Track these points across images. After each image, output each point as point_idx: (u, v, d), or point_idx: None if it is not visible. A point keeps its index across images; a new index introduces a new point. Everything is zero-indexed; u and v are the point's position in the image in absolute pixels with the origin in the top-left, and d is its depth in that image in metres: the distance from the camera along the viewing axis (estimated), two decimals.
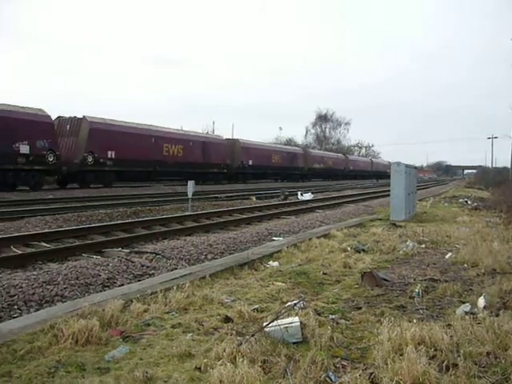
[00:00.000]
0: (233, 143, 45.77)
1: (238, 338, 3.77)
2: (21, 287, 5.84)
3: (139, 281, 6.57)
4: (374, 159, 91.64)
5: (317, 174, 61.46)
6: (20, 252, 8.57)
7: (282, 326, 3.77)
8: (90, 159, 29.09)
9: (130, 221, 13.18)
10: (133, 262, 7.54)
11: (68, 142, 28.96)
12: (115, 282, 6.63)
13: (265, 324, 3.93)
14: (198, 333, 4.06)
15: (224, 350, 3.47)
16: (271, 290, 5.53)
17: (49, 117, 27.22)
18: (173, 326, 4.20)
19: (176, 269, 7.40)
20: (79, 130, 29.24)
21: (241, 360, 3.25)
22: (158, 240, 10.44)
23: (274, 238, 10.67)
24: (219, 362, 3.28)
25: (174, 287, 5.35)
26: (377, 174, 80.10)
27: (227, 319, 4.39)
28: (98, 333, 3.89)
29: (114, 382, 3.12)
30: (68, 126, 29.41)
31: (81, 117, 29.64)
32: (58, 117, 29.78)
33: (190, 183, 15.89)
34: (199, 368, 3.30)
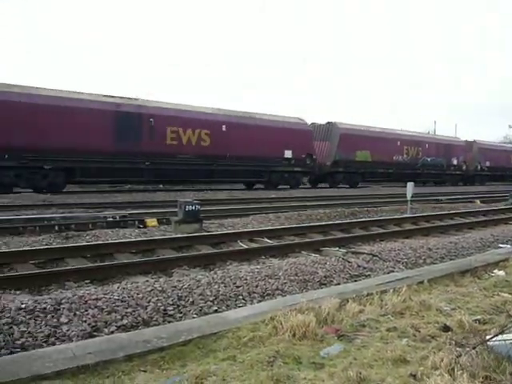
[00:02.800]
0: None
1: (458, 348, 3.56)
2: (246, 279, 6.28)
3: (355, 281, 6.61)
4: None
5: None
6: (246, 246, 9.23)
7: (508, 342, 3.46)
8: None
9: (347, 221, 13.32)
10: (349, 262, 7.60)
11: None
12: (332, 281, 6.76)
13: (488, 337, 3.65)
14: (414, 339, 3.94)
15: (442, 360, 3.30)
16: (496, 300, 5.11)
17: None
18: (388, 330, 4.13)
19: (393, 271, 7.28)
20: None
21: (459, 372, 3.07)
22: (375, 241, 10.37)
23: (501, 246, 9.86)
24: (436, 372, 3.14)
25: (391, 290, 5.26)
26: None
27: (446, 328, 4.18)
28: (314, 329, 4.00)
29: (327, 378, 3.18)
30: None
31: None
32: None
33: (409, 185, 15.49)
34: (414, 375, 3.20)
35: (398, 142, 38.02)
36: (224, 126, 26.90)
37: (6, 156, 19.91)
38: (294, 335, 3.90)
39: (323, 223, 12.63)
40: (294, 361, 3.47)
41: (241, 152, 27.14)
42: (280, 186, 29.68)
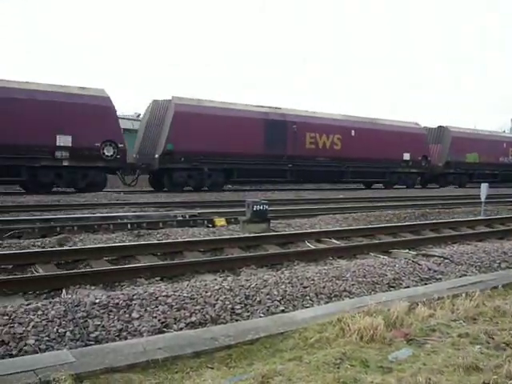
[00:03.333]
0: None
1: None
2: (313, 280, 6.25)
3: (425, 284, 6.45)
4: None
5: None
6: (313, 247, 9.20)
7: None
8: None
9: (417, 223, 12.99)
10: (419, 264, 7.41)
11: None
12: (401, 284, 6.62)
13: None
14: (488, 346, 3.80)
15: None
16: None
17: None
18: (459, 335, 4.01)
19: (465, 275, 7.05)
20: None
21: None
22: (447, 244, 10.05)
23: None
24: (510, 382, 3.03)
25: (463, 294, 5.10)
26: None
27: None
28: (383, 332, 3.94)
29: (395, 383, 3.13)
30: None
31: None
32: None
33: (484, 186, 14.95)
34: None
35: (504, 144, 40.07)
36: (353, 131, 29.75)
37: (182, 159, 23.57)
38: (361, 338, 3.86)
39: (392, 224, 12.40)
40: (362, 364, 3.44)
41: (366, 155, 29.81)
42: (396, 186, 32.11)
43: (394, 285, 6.57)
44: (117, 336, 4.40)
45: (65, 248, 8.20)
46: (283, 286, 5.90)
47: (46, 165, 20.43)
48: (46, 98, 20.19)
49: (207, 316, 4.94)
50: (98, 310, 4.74)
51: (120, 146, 22.17)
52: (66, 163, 20.90)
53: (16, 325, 4.30)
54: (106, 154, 21.79)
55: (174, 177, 23.77)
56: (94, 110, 21.16)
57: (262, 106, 27.27)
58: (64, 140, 20.67)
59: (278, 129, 26.74)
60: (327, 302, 5.62)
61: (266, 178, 27.42)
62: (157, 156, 23.37)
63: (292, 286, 5.94)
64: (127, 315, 4.73)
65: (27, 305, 4.76)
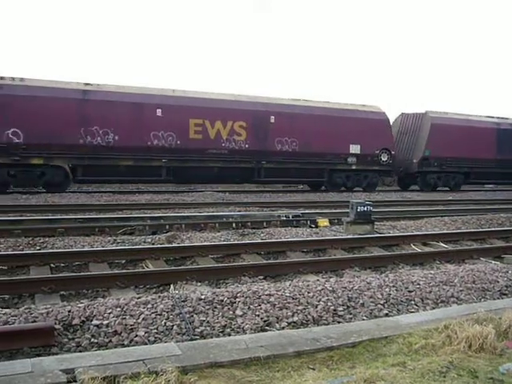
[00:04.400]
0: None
1: None
2: (418, 284, 6.07)
3: None
4: None
5: None
6: (419, 250, 8.92)
7: None
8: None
9: None
10: None
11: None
12: None
13: None
14: None
15: None
16: None
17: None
18: None
19: None
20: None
21: None
22: None
23: None
24: None
25: None
26: None
27: None
28: (493, 341, 3.74)
29: None
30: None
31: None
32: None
33: None
34: None
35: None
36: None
37: (435, 163, 27.64)
38: (469, 346, 3.69)
39: (505, 228, 11.73)
40: (470, 374, 3.29)
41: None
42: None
43: (507, 292, 6.22)
44: (220, 332, 4.53)
45: (173, 245, 8.54)
46: (387, 290, 5.78)
47: (340, 168, 25.22)
48: (339, 114, 24.97)
49: (309, 316, 4.94)
50: (203, 306, 4.89)
51: (392, 153, 26.40)
52: (353, 167, 25.55)
53: (128, 317, 4.56)
54: (382, 159, 26.05)
55: (427, 178, 27.74)
56: (375, 124, 25.66)
57: (492, 117, 30.25)
58: (355, 148, 25.49)
59: (508, 137, 29.41)
60: (433, 308, 5.44)
61: (500, 181, 30.68)
62: (415, 161, 27.56)
63: (396, 290, 5.81)
64: (231, 312, 4.85)
65: (138, 298, 5.02)
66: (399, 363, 3.48)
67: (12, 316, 4.50)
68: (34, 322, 4.40)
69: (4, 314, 4.55)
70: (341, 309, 5.19)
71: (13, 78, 19.35)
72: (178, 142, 21.61)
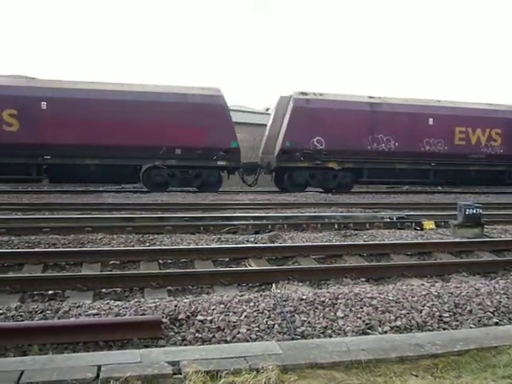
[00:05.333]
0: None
1: None
2: None
3: None
4: None
5: None
6: None
7: None
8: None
9: None
10: None
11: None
12: None
13: None
14: None
15: None
16: None
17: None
18: None
19: None
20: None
21: None
22: None
23: None
24: None
25: None
26: None
27: None
28: None
29: None
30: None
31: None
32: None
33: None
34: None
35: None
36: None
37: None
38: None
39: None
40: None
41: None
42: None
43: None
44: (321, 333, 4.51)
45: (275, 244, 8.62)
46: (497, 297, 5.48)
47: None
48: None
49: (413, 321, 4.81)
50: (304, 306, 4.90)
51: None
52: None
53: (231, 313, 4.67)
54: None
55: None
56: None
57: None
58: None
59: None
60: None
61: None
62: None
63: (508, 298, 5.49)
64: (332, 313, 4.82)
65: (241, 296, 5.13)
66: (510, 376, 3.30)
67: (123, 308, 4.77)
68: (143, 314, 4.63)
69: (116, 306, 4.83)
70: (446, 315, 5.00)
71: (314, 93, 23.16)
72: (446, 148, 24.29)
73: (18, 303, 5.11)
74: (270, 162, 23.34)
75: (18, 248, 7.99)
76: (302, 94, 23.15)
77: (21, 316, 4.61)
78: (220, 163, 21.90)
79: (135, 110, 20.18)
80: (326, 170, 23.16)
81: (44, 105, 19.53)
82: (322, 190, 22.95)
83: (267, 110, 33.87)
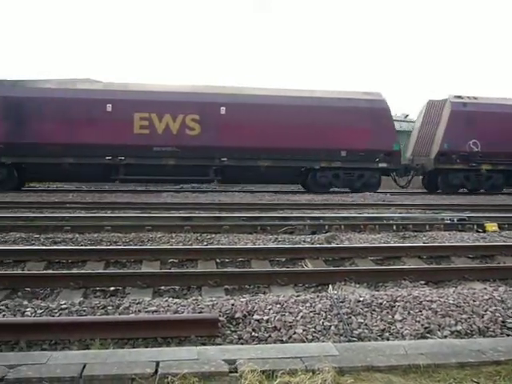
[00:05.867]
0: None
1: None
2: None
3: None
4: None
5: None
6: None
7: None
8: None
9: None
10: None
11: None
12: None
13: None
14: None
15: None
16: None
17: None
18: None
19: None
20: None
21: None
22: None
23: None
24: None
25: None
26: None
27: None
28: None
29: None
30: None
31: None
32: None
33: None
34: None
35: None
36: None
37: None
38: None
39: None
40: None
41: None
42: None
43: None
44: (379, 336, 4.46)
45: (332, 245, 8.56)
46: None
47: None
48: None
49: (474, 326, 4.67)
50: (361, 308, 4.86)
51: None
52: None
53: (287, 314, 4.67)
54: None
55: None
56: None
57: None
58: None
59: None
60: None
61: None
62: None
63: None
64: (390, 316, 4.76)
65: (297, 296, 5.13)
66: None
67: (181, 306, 4.87)
68: (201, 312, 4.70)
69: (175, 303, 4.93)
70: (510, 321, 4.83)
71: (469, 97, 24.15)
72: None
73: (81, 299, 5.29)
74: (423, 164, 24.34)
75: (82, 245, 8.28)
76: (458, 97, 24.26)
77: (84, 311, 4.78)
78: (381, 165, 22.80)
79: (307, 115, 21.38)
80: (479, 172, 24.06)
81: (223, 110, 20.85)
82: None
83: (406, 116, 36.25)
